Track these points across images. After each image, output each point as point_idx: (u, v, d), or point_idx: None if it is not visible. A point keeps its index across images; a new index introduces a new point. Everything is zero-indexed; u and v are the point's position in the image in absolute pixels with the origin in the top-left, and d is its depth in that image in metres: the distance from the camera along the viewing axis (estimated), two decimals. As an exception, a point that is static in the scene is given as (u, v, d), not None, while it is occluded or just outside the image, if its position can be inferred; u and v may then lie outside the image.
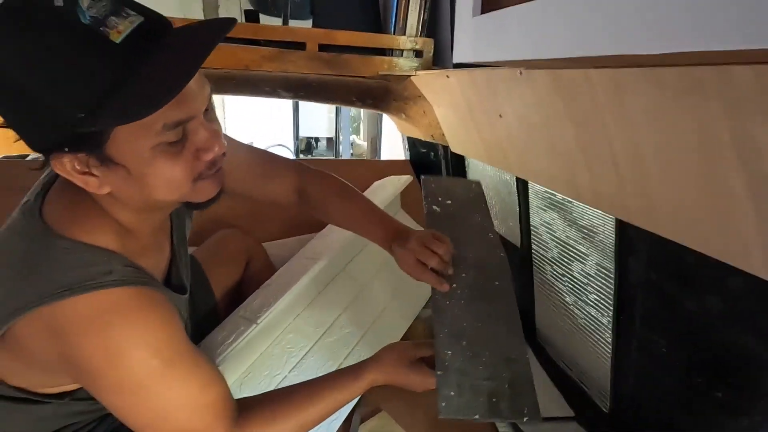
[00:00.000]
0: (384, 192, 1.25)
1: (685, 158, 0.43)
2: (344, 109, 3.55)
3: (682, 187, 0.46)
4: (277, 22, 1.24)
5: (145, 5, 0.44)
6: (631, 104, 0.46)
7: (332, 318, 0.99)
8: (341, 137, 3.64)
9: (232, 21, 0.46)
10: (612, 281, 0.81)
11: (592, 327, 0.90)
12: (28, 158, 1.28)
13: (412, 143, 1.59)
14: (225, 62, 1.01)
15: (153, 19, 0.44)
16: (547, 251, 1.02)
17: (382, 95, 1.24)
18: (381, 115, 2.95)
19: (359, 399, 0.88)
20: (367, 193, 1.22)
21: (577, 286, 0.93)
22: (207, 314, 0.92)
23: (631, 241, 0.75)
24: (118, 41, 0.41)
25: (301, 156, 3.67)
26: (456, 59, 0.55)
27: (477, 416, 0.57)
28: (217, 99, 2.22)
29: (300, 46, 1.06)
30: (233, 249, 1.05)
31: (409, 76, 1.10)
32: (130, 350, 0.49)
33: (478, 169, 1.31)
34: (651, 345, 0.75)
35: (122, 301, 0.49)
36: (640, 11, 0.33)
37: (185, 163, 0.49)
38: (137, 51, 0.42)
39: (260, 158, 0.78)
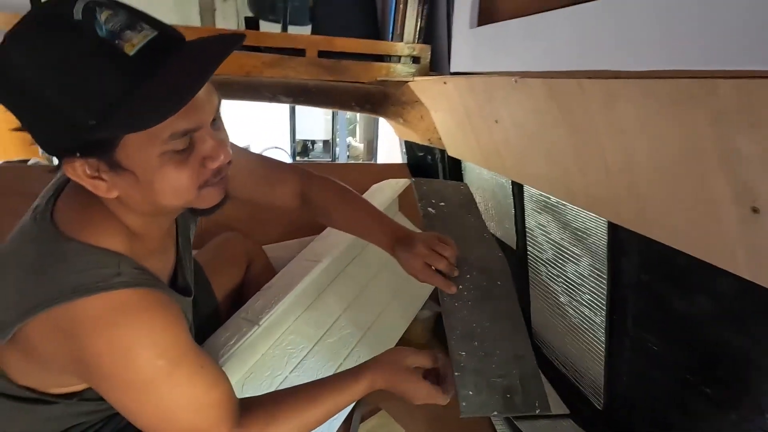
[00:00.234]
0: (382, 195, 1.26)
1: (672, 164, 0.46)
2: (341, 111, 3.56)
3: (670, 191, 0.48)
4: (275, 28, 1.25)
5: (161, 20, 0.46)
6: (622, 113, 0.49)
7: (332, 319, 1.00)
8: (338, 140, 3.65)
9: (240, 37, 0.47)
10: (605, 282, 0.83)
11: (586, 326, 0.93)
12: (30, 163, 1.28)
13: (410, 147, 1.61)
14: (227, 68, 1.02)
15: (166, 33, 0.45)
16: (542, 253, 1.04)
17: (381, 100, 1.26)
18: (377, 118, 2.97)
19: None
20: (365, 196, 1.23)
21: (571, 286, 0.95)
22: (209, 316, 0.93)
23: (622, 243, 0.77)
24: (131, 54, 0.43)
25: (298, 158, 3.67)
26: (454, 68, 0.57)
27: (496, 412, 0.60)
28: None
29: (300, 52, 1.08)
30: (234, 252, 1.06)
31: (407, 81, 1.11)
32: (138, 350, 0.50)
33: (474, 172, 1.33)
34: (643, 343, 0.78)
35: (130, 302, 0.51)
36: (620, 32, 0.36)
37: (191, 170, 0.50)
38: (149, 63, 0.43)
39: (263, 164, 0.80)
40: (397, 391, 0.65)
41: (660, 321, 0.74)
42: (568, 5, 0.44)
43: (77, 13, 0.41)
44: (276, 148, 3.38)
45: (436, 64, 1.13)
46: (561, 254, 0.96)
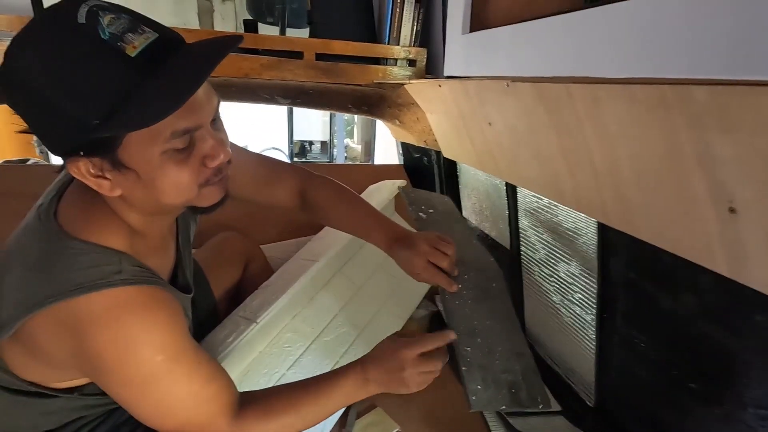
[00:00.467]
0: (379, 195, 1.28)
1: (654, 166, 0.48)
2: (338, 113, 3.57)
3: (653, 192, 0.50)
4: (274, 30, 1.27)
5: (162, 23, 0.47)
6: (607, 116, 0.51)
7: (329, 318, 1.01)
8: (335, 141, 3.67)
9: (238, 38, 0.49)
10: (595, 281, 0.85)
11: (578, 325, 0.94)
12: (29, 162, 1.30)
13: (406, 148, 1.63)
14: (226, 70, 1.04)
15: (167, 35, 0.47)
16: (535, 253, 1.06)
17: (377, 102, 1.27)
18: (375, 119, 2.99)
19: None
20: (362, 197, 1.25)
21: (563, 285, 0.97)
22: (207, 314, 0.94)
23: (612, 242, 0.79)
24: (133, 55, 0.44)
25: (295, 159, 3.69)
26: (447, 72, 0.59)
27: (503, 407, 0.62)
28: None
29: (298, 55, 1.09)
30: (232, 251, 1.07)
31: (403, 84, 1.13)
32: (138, 346, 0.52)
33: (469, 173, 1.35)
34: (632, 341, 0.79)
35: (131, 299, 0.52)
36: (605, 41, 0.38)
37: (192, 169, 0.51)
38: (150, 64, 0.45)
39: (263, 163, 0.81)
40: (386, 374, 0.63)
41: (647, 318, 0.76)
42: (556, 14, 0.46)
43: (81, 17, 0.43)
44: (274, 149, 3.40)
45: (432, 67, 1.15)
46: (553, 254, 0.98)
